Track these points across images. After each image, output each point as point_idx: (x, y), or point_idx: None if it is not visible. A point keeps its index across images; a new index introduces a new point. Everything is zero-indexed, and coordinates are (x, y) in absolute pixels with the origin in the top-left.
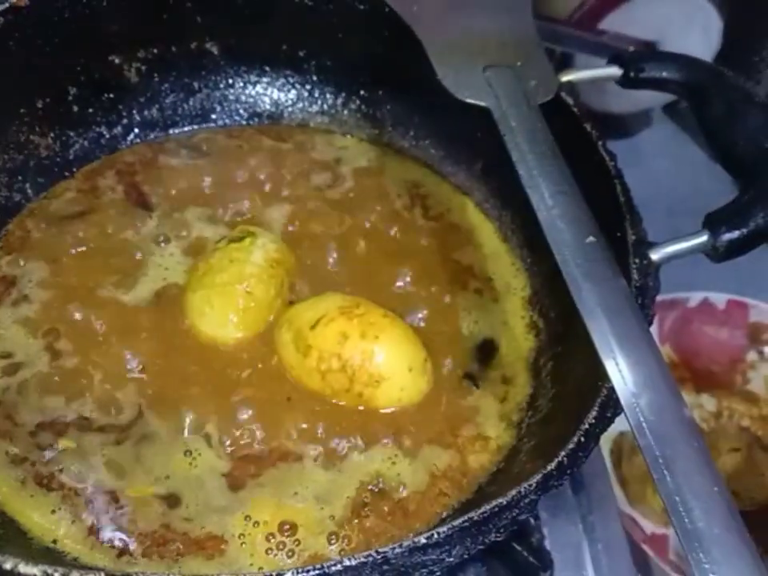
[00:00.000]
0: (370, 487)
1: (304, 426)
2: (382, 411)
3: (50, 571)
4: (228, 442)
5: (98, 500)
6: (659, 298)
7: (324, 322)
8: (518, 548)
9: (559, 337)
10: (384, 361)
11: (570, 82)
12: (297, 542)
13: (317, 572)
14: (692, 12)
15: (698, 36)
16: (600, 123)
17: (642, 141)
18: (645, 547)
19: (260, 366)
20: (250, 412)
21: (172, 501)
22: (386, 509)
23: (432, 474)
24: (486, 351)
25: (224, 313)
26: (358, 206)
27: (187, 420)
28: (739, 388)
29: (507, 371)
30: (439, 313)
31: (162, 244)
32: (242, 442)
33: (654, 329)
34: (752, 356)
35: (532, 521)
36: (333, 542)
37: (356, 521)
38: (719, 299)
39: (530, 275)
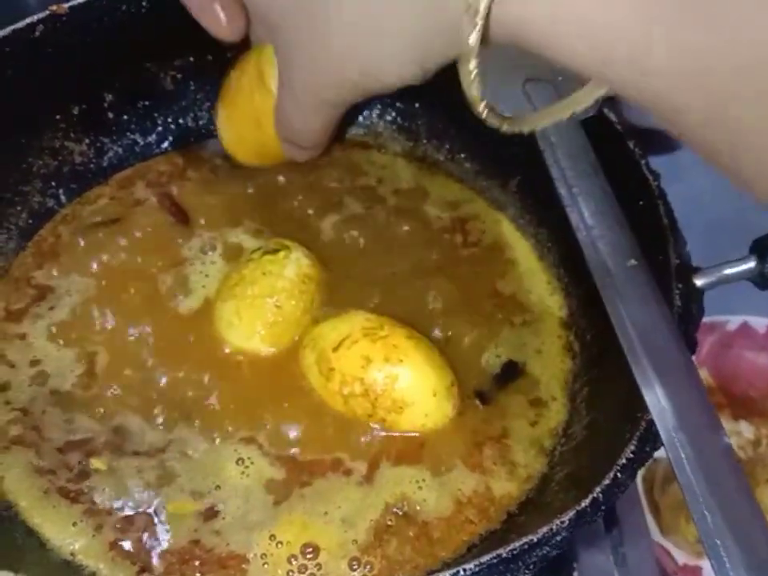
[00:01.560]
0: (394, 510)
1: (337, 442)
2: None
3: None
4: (273, 452)
5: (131, 518)
6: None
7: (347, 344)
8: None
9: (595, 361)
10: (407, 386)
11: (612, 98)
12: (318, 566)
13: None
14: None
15: None
16: (640, 138)
17: (683, 157)
18: None
19: (291, 382)
20: (291, 426)
21: (210, 513)
22: (410, 534)
23: (458, 500)
24: (508, 373)
25: (252, 325)
26: (398, 227)
27: (230, 432)
28: None
29: (540, 394)
30: (468, 336)
31: (206, 252)
32: (283, 453)
33: None
34: None
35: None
36: (355, 567)
37: (379, 546)
38: (760, 323)
39: (566, 295)
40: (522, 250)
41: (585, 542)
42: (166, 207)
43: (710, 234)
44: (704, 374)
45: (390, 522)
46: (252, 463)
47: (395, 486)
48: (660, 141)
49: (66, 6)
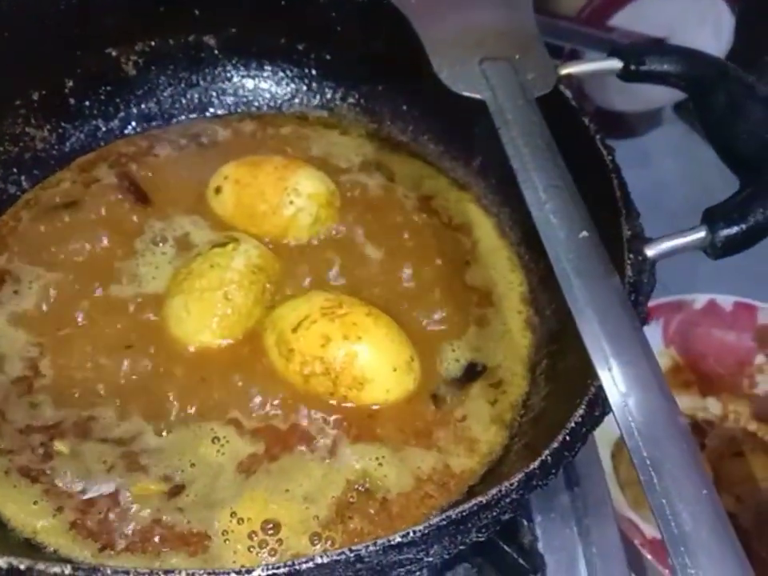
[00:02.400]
0: (356, 487)
1: (299, 419)
2: (370, 407)
3: (15, 563)
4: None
5: (93, 500)
6: (665, 299)
7: (305, 324)
8: (508, 549)
9: (554, 334)
10: (367, 363)
11: (569, 76)
12: (279, 542)
13: (287, 569)
14: (704, 9)
15: (710, 33)
16: (609, 122)
17: (651, 140)
18: (644, 551)
19: (249, 368)
20: (257, 405)
21: (174, 491)
22: (371, 510)
23: (417, 477)
24: (469, 374)
25: (201, 318)
26: (364, 205)
27: (198, 415)
28: (746, 391)
29: (501, 376)
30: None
31: (157, 243)
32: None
33: (659, 330)
34: (760, 359)
35: (525, 522)
36: (316, 542)
37: (341, 522)
38: (726, 301)
39: (527, 272)
40: (484, 228)
41: (548, 514)
42: (127, 190)
43: (677, 215)
44: (672, 351)
45: (351, 499)
46: (227, 441)
47: (356, 463)
48: (627, 125)
49: None
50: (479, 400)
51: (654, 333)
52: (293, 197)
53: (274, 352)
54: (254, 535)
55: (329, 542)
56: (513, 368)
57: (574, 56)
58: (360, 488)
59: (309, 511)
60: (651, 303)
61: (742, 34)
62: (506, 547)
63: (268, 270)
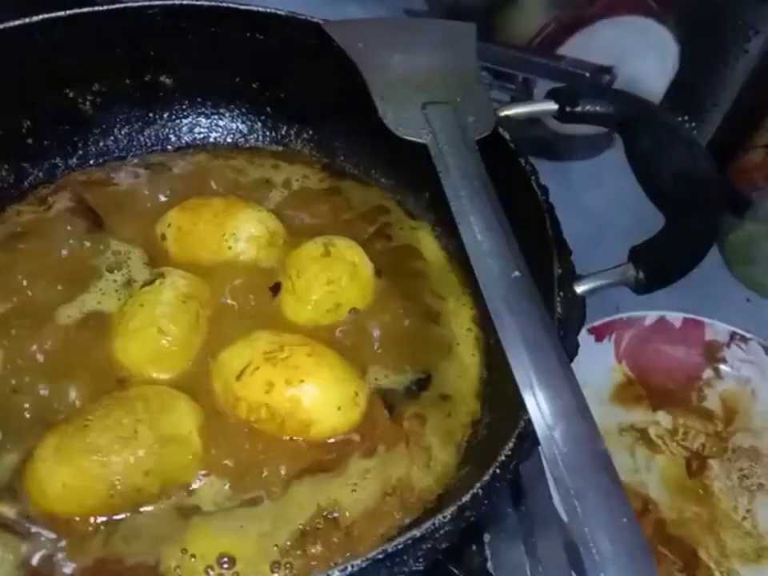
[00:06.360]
0: (322, 514)
1: (252, 458)
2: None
3: None
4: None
5: (36, 535)
6: (617, 316)
7: (249, 371)
8: (457, 572)
9: (498, 363)
10: (310, 406)
11: (508, 117)
12: (236, 574)
13: None
14: (648, 38)
15: (655, 60)
16: (563, 145)
17: (604, 161)
18: None
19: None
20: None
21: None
22: (334, 539)
23: (383, 491)
24: (420, 385)
25: (141, 356)
26: (314, 233)
27: None
28: (695, 405)
29: (451, 391)
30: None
31: (107, 272)
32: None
33: (611, 347)
34: (708, 373)
35: (473, 545)
36: (276, 570)
37: (300, 548)
38: (675, 318)
39: (475, 299)
40: (436, 256)
41: (497, 534)
42: (82, 216)
43: (630, 234)
44: (624, 367)
45: (318, 525)
46: None
47: (317, 494)
48: (583, 146)
49: None
50: (433, 408)
51: (606, 349)
52: (231, 242)
53: (221, 399)
54: (210, 570)
55: (287, 568)
56: (463, 388)
57: (526, 84)
58: (327, 515)
59: (267, 542)
60: (604, 321)
61: (687, 60)
62: (455, 570)
63: (198, 296)
